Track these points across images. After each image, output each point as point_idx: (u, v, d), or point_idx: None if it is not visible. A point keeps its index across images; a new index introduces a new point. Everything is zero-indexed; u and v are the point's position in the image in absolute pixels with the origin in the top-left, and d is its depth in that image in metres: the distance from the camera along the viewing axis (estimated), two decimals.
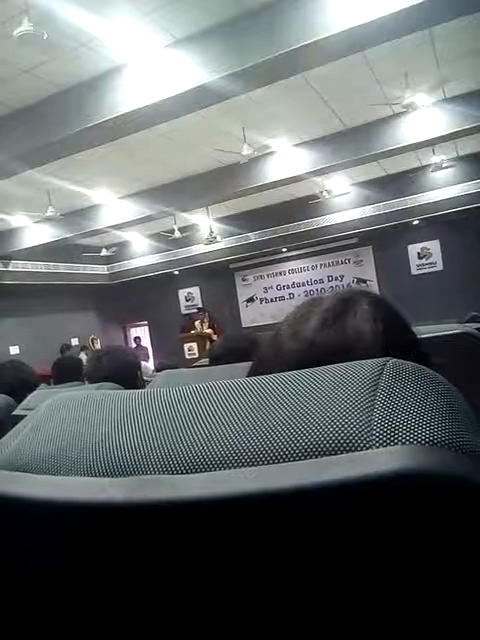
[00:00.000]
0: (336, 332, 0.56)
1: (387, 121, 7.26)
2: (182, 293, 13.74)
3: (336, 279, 12.33)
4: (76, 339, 11.92)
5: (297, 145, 7.76)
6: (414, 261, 11.62)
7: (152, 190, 8.79)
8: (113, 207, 9.17)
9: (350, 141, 7.45)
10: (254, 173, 7.99)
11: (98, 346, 11.93)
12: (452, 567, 0.27)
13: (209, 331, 11.25)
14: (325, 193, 9.91)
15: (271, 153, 7.73)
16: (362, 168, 8.65)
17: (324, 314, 0.58)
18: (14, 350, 10.57)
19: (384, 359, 0.33)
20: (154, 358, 12.93)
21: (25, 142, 5.48)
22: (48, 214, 7.69)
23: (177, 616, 0.31)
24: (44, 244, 9.73)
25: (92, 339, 11.81)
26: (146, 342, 13.92)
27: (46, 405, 0.40)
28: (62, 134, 5.23)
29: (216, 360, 1.80)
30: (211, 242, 10.45)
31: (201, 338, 10.85)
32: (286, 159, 7.84)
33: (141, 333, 14.30)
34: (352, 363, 0.34)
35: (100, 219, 9.35)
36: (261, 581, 0.28)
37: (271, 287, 12.94)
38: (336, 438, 0.28)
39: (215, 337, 10.80)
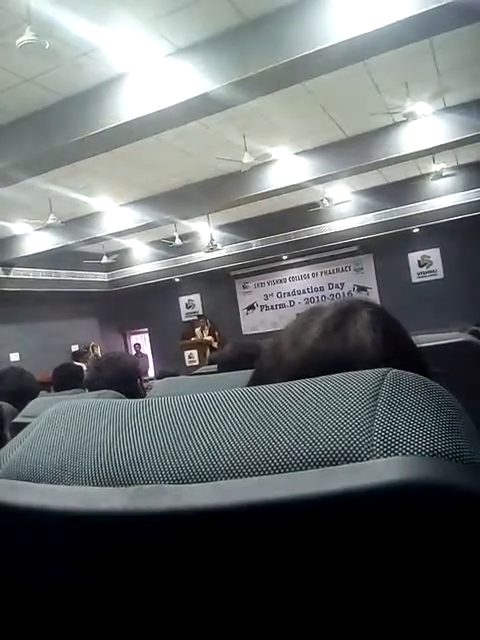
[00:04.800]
0: (336, 342, 0.57)
1: (387, 130, 7.29)
2: (183, 300, 13.75)
3: (336, 287, 12.34)
4: (76, 346, 11.93)
5: (298, 153, 7.79)
6: (414, 269, 11.63)
7: (153, 198, 8.82)
8: (114, 214, 9.20)
9: (351, 150, 7.48)
10: (255, 181, 8.01)
11: (98, 353, 11.92)
12: (452, 578, 0.27)
13: (209, 338, 11.25)
14: (326, 201, 9.93)
15: (272, 161, 7.76)
16: (363, 176, 8.68)
17: (324, 324, 0.59)
18: (14, 357, 10.57)
19: (384, 369, 0.34)
20: (154, 365, 12.92)
21: (27, 150, 5.51)
22: (49, 221, 7.72)
23: (179, 624, 0.31)
24: (45, 251, 9.76)
25: (92, 346, 11.81)
26: (146, 349, 13.92)
27: (48, 413, 0.40)
28: (64, 142, 5.25)
29: (227, 365, 1.79)
30: (212, 249, 10.46)
31: (202, 345, 10.85)
32: (287, 167, 7.87)
33: (141, 340, 14.30)
34: (353, 373, 0.34)
35: (101, 226, 9.38)
36: (263, 590, 0.28)
37: (272, 294, 12.95)
38: (337, 448, 0.28)
39: (216, 345, 10.80)
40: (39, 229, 9.09)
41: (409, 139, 7.20)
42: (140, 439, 0.34)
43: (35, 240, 9.63)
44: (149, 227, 9.39)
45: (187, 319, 13.39)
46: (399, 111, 6.19)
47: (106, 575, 0.31)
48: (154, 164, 7.32)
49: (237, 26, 4.49)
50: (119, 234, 9.61)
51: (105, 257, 11.36)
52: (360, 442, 0.28)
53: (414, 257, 11.61)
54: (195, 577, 0.29)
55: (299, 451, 0.29)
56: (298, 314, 0.67)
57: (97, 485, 0.32)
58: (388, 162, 7.63)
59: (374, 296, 11.32)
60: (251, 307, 13.14)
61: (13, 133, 5.52)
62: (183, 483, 0.30)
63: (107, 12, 4.07)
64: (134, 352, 13.17)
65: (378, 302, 0.67)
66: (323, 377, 0.34)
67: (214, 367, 2.17)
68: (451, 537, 0.26)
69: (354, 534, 0.26)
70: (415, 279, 11.62)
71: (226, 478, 0.29)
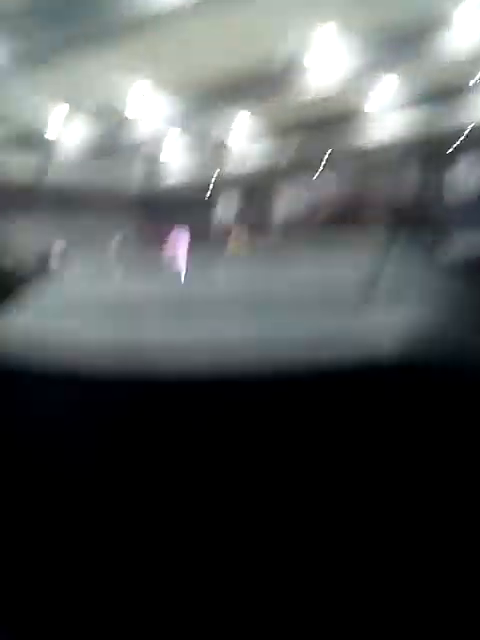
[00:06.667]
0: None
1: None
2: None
3: None
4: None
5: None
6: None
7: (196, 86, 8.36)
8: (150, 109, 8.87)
9: (401, 43, 6.88)
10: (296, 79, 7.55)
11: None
12: (442, 444, 0.28)
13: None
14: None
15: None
16: (411, 79, 8.05)
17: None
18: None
19: (395, 244, 0.34)
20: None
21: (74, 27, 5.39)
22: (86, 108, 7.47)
23: (177, 488, 0.32)
24: (80, 146, 9.62)
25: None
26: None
27: (60, 285, 0.41)
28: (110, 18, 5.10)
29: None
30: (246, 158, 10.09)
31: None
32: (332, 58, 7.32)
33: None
34: (362, 246, 0.34)
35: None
36: (262, 459, 0.29)
37: None
38: (339, 322, 0.29)
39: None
40: (73, 123, 8.85)
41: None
42: (146, 311, 0.35)
43: (70, 134, 9.44)
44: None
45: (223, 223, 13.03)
46: None
47: (109, 439, 0.32)
48: (193, 56, 6.89)
49: None
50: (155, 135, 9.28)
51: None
52: (361, 317, 0.29)
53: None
54: (194, 441, 0.30)
55: (302, 321, 0.28)
56: None
57: (105, 351, 0.34)
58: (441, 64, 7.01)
59: None
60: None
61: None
62: (187, 352, 0.31)
63: None
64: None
65: None
66: (333, 243, 0.35)
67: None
68: (443, 405, 0.28)
69: (351, 402, 0.28)
70: None
71: (229, 348, 0.29)
